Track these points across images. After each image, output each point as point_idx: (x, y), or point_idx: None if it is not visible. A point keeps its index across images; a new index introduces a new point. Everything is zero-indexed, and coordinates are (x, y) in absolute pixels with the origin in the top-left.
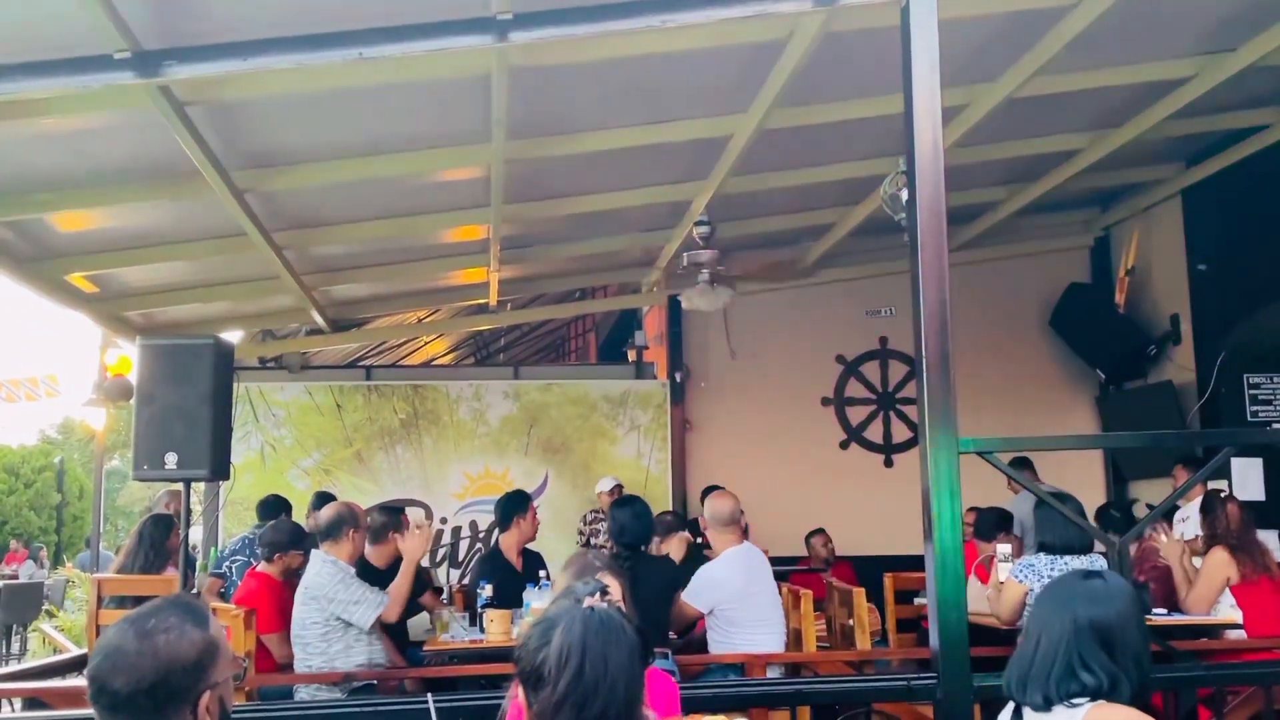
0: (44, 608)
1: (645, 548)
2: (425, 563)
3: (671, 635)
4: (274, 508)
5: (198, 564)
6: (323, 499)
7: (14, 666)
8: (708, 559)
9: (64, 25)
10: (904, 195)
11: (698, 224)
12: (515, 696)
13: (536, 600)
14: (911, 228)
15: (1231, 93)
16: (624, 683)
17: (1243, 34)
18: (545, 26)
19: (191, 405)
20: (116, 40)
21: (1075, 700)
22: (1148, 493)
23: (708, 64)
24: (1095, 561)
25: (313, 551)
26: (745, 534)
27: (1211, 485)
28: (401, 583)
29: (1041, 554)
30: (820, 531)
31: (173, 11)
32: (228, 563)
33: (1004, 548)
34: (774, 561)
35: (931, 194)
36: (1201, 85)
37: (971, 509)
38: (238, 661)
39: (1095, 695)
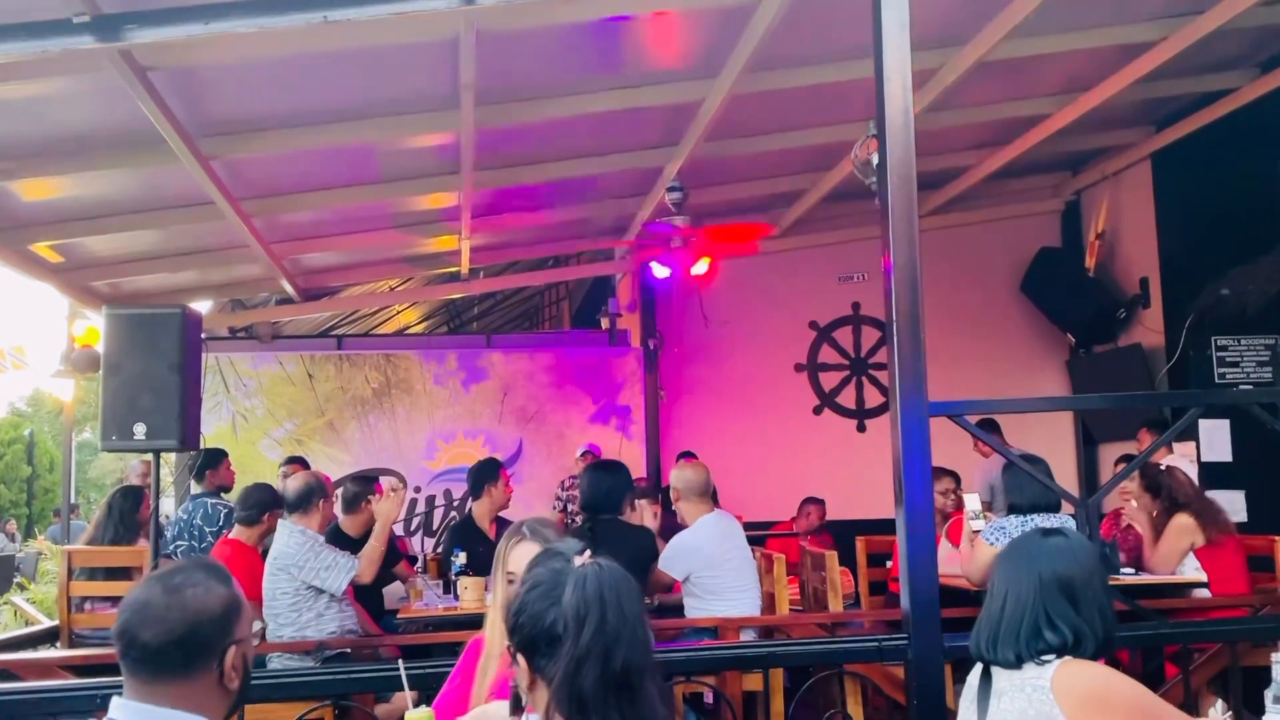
0: (15, 580)
1: (619, 515)
2: (400, 531)
3: (647, 601)
4: (204, 463)
5: (168, 535)
6: (293, 462)
7: None
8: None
9: None
10: (874, 159)
11: (669, 190)
12: (467, 671)
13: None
14: (882, 191)
15: (1200, 56)
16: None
17: None
18: None
19: (159, 375)
20: (74, 3)
21: (1044, 657)
22: (1118, 455)
23: (678, 27)
24: (1064, 521)
25: (280, 521)
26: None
27: (1178, 448)
28: (374, 544)
29: (1012, 516)
30: (819, 502)
31: None
32: (172, 547)
33: (972, 503)
34: (748, 527)
35: (902, 157)
36: (1170, 49)
37: (949, 474)
38: (257, 620)
39: (1062, 650)
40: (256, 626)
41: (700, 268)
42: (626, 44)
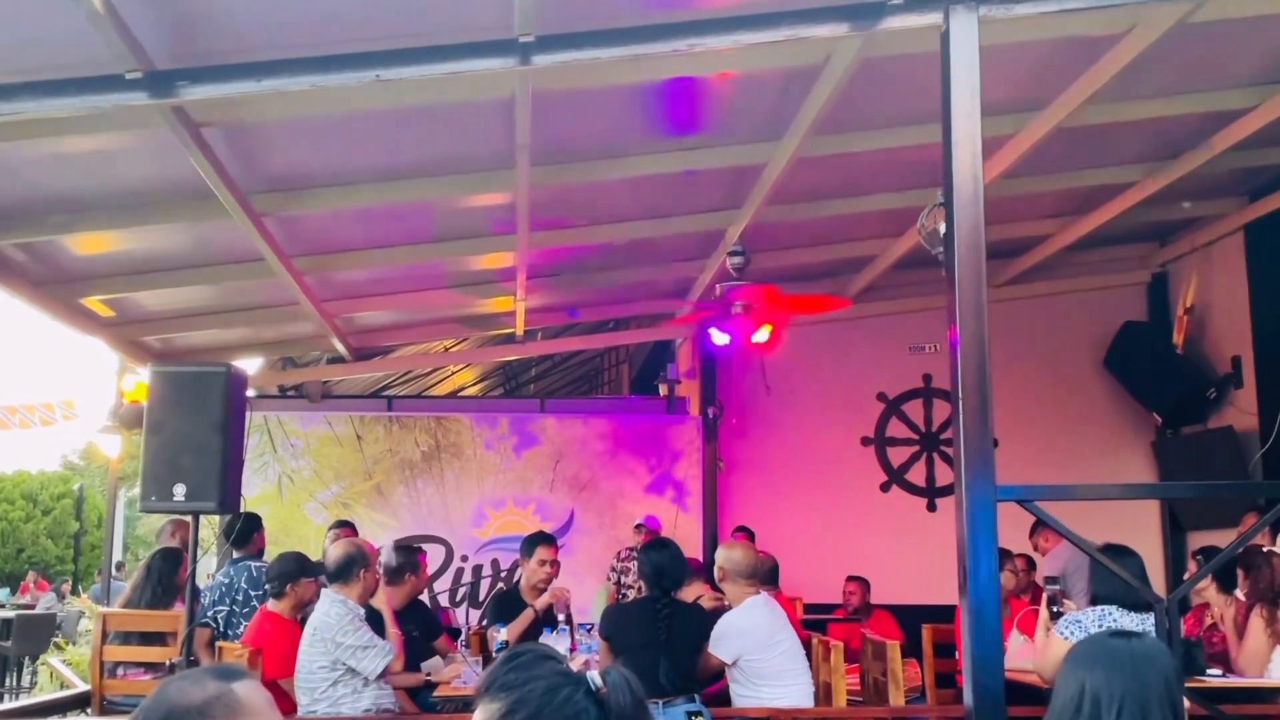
0: (54, 640)
1: (676, 592)
2: (445, 602)
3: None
4: (246, 528)
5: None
6: (341, 526)
7: (12, 703)
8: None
9: (74, 44)
10: (942, 229)
11: (731, 254)
12: None
13: (554, 645)
14: (949, 262)
15: None
16: None
17: None
18: (569, 50)
19: (202, 435)
20: (128, 60)
21: None
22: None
23: (740, 89)
24: (1146, 621)
25: (324, 590)
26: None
27: None
28: (392, 631)
29: (1090, 608)
30: (855, 579)
31: (187, 31)
32: (211, 613)
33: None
34: (809, 609)
35: (971, 226)
36: (1262, 117)
37: (1021, 555)
38: None
39: None
40: None
41: (761, 335)
42: (688, 105)
